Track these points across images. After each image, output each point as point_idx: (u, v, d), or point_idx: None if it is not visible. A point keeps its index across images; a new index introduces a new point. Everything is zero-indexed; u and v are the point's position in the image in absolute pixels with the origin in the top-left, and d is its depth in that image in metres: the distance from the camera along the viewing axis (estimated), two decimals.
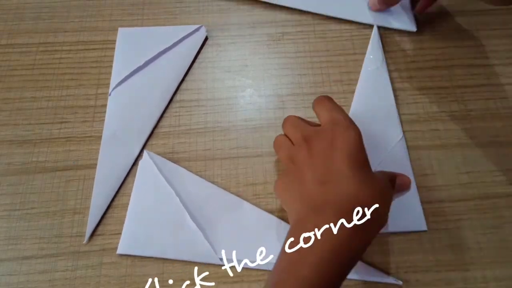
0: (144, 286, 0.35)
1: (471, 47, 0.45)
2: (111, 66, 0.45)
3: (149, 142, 0.41)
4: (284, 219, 0.38)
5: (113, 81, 0.44)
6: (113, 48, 0.46)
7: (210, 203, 0.38)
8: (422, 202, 0.38)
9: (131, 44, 0.45)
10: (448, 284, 0.35)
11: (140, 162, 0.40)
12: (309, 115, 0.42)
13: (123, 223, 0.37)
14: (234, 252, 0.36)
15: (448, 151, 0.40)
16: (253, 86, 0.44)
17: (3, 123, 0.42)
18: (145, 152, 0.40)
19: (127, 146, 0.41)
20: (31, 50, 0.46)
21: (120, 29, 0.46)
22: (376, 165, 0.39)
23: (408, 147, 0.40)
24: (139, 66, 0.44)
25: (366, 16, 0.46)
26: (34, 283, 0.36)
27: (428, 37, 0.46)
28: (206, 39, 0.46)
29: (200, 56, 0.45)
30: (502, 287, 0.35)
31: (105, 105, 0.43)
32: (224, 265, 0.36)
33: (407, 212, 0.37)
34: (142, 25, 0.47)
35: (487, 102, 0.42)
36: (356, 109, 0.42)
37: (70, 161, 0.40)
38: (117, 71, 0.44)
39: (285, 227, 0.37)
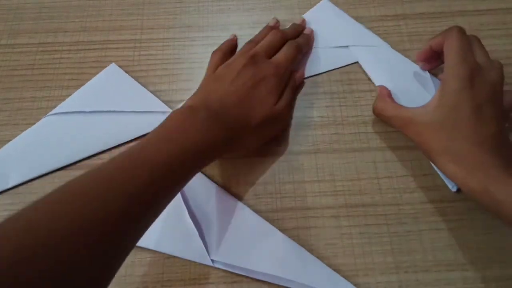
0: (144, 286, 0.35)
1: None
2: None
3: None
4: (282, 228, 0.38)
5: (63, 107, 0.42)
6: (113, 48, 0.46)
7: (211, 203, 0.38)
8: (423, 202, 0.38)
9: (108, 86, 0.43)
10: (448, 284, 0.35)
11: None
12: (309, 114, 0.42)
13: None
14: (227, 256, 0.36)
15: None
16: None
17: (3, 123, 0.42)
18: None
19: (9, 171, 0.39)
20: (31, 50, 0.46)
21: (113, 64, 0.44)
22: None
23: (408, 147, 0.40)
24: (94, 110, 0.42)
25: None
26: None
27: (428, 37, 0.46)
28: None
29: (200, 56, 0.45)
30: (502, 287, 0.35)
31: None
32: (215, 267, 0.36)
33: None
34: (142, 25, 0.47)
35: None
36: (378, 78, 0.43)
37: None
38: (73, 101, 0.42)
39: (283, 239, 0.36)
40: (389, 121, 0.39)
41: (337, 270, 0.36)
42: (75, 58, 0.45)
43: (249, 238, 0.37)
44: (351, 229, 0.37)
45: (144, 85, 0.44)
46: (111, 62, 0.45)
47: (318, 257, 0.36)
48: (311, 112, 0.42)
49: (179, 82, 0.44)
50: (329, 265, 0.36)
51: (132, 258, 0.36)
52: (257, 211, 0.38)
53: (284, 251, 0.36)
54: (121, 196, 0.26)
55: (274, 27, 0.45)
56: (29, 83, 0.44)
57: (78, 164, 0.40)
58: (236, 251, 0.36)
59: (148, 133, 0.32)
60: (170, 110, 0.41)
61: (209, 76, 0.40)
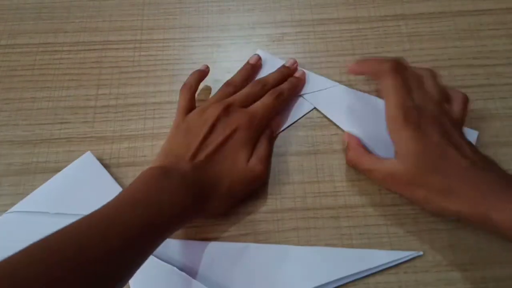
0: None
1: (471, 47, 0.45)
2: (111, 67, 0.45)
3: (149, 143, 0.41)
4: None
5: (25, 204, 0.37)
6: (113, 49, 0.46)
7: (215, 262, 0.36)
8: None
9: (79, 180, 0.39)
10: (448, 284, 0.35)
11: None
12: (309, 115, 0.42)
13: None
14: None
15: None
16: None
17: (3, 123, 0.42)
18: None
19: None
20: (31, 51, 0.46)
21: (88, 153, 0.40)
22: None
23: None
24: (59, 213, 0.37)
25: None
26: None
27: (428, 37, 0.46)
28: None
29: (200, 56, 0.45)
30: (502, 287, 0.35)
31: (106, 106, 0.43)
32: None
33: None
34: (142, 26, 0.47)
35: (487, 102, 0.42)
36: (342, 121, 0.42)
37: (70, 161, 0.40)
38: (38, 197, 0.38)
39: (296, 252, 0.36)
40: (366, 174, 0.37)
41: None
42: (75, 59, 0.46)
43: (266, 270, 0.35)
44: (351, 229, 0.37)
45: (144, 85, 0.44)
46: (111, 62, 0.45)
47: None
48: (311, 113, 0.42)
49: (179, 83, 0.44)
50: None
51: None
52: (257, 212, 0.38)
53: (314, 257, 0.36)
54: (89, 261, 0.25)
55: (254, 66, 0.43)
56: (29, 83, 0.44)
57: None
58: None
59: (120, 192, 0.31)
60: None
61: (178, 125, 0.38)
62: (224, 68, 0.45)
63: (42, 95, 0.44)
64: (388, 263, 0.35)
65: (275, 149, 0.41)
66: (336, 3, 0.48)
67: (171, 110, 0.43)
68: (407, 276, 0.35)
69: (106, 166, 0.40)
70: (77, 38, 0.47)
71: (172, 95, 0.43)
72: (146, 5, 0.49)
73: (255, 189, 0.38)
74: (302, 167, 0.40)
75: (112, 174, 0.39)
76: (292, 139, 0.41)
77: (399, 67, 0.35)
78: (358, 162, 0.37)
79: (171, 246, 0.36)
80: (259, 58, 0.44)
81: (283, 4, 0.48)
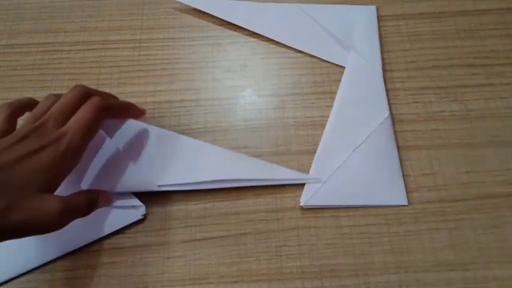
0: (144, 286, 0.35)
1: (471, 47, 0.45)
2: (111, 66, 0.45)
3: None
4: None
5: None
6: (113, 48, 0.46)
7: (143, 140, 0.39)
8: (423, 202, 0.38)
9: None
10: (448, 284, 0.35)
11: None
12: (309, 114, 0.42)
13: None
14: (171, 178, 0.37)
15: (448, 151, 0.40)
16: (253, 86, 0.44)
17: None
18: None
19: None
20: (31, 50, 0.46)
21: None
22: (361, 141, 0.40)
23: (407, 147, 0.40)
24: None
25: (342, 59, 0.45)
26: (33, 282, 0.36)
27: (428, 37, 0.46)
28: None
29: (200, 56, 0.45)
30: (503, 287, 0.35)
31: None
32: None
33: (388, 186, 0.38)
34: (141, 26, 0.47)
35: (487, 102, 0.42)
36: (344, 87, 0.43)
37: None
38: None
39: (222, 151, 0.39)
40: None
41: (337, 270, 0.36)
42: (75, 58, 0.45)
43: (188, 158, 0.38)
44: (351, 229, 0.37)
45: (144, 85, 0.44)
46: (111, 62, 0.45)
47: (318, 257, 0.36)
48: (311, 112, 0.42)
49: (179, 82, 0.44)
50: (329, 265, 0.36)
51: (132, 258, 0.36)
52: (257, 211, 0.38)
53: (223, 157, 0.39)
54: None
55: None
56: (29, 83, 0.44)
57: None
58: (178, 171, 0.38)
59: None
60: (142, 205, 0.37)
61: None
62: (223, 67, 0.45)
63: (42, 94, 0.44)
64: (287, 180, 0.39)
65: (275, 148, 0.41)
66: (336, 3, 0.48)
67: (170, 109, 0.43)
68: (407, 276, 0.35)
69: None
70: (77, 37, 0.47)
71: (171, 94, 0.43)
72: (146, 4, 0.49)
73: (37, 232, 0.30)
74: (303, 166, 0.40)
75: None
76: (292, 139, 0.41)
77: None
78: None
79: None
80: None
81: (282, 2, 0.48)
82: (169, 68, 0.45)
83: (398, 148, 0.40)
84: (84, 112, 0.32)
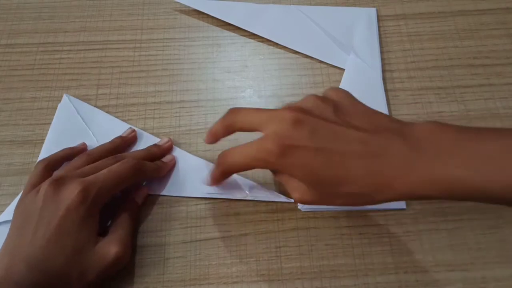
0: (145, 287, 0.35)
1: (471, 47, 0.45)
2: (111, 67, 0.45)
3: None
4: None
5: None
6: (114, 49, 0.46)
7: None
8: (422, 203, 0.38)
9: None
10: (448, 284, 0.35)
11: (59, 105, 0.42)
12: None
13: None
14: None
15: None
16: (253, 86, 0.44)
17: (3, 123, 0.42)
18: (64, 96, 0.42)
19: None
20: (31, 50, 0.46)
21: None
22: None
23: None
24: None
25: (341, 62, 0.45)
26: None
27: (428, 37, 0.46)
28: None
29: (200, 56, 0.45)
30: (502, 287, 0.35)
31: (106, 106, 0.43)
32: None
33: None
34: (142, 26, 0.47)
35: (487, 102, 0.42)
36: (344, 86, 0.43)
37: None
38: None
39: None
40: None
41: (337, 270, 0.36)
42: (75, 58, 0.46)
43: (182, 174, 0.40)
44: (350, 229, 0.37)
45: (144, 85, 0.44)
46: (111, 62, 0.45)
47: (318, 257, 0.36)
48: None
49: (179, 83, 0.44)
50: (329, 265, 0.36)
51: (132, 258, 0.36)
52: (257, 212, 0.38)
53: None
54: None
55: (125, 139, 0.39)
56: (29, 83, 0.44)
57: None
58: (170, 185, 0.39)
59: None
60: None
61: (16, 209, 0.32)
62: (223, 68, 0.45)
63: (42, 95, 0.44)
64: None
65: None
66: (336, 3, 0.48)
67: (171, 110, 0.43)
68: (407, 276, 0.35)
69: None
70: (77, 37, 0.47)
71: (172, 95, 0.43)
72: (146, 4, 0.49)
73: (116, 272, 0.33)
74: None
75: None
76: None
77: (237, 110, 0.32)
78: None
79: None
80: (133, 131, 0.40)
81: (282, 3, 0.48)
82: (169, 68, 0.45)
83: None
84: (117, 167, 0.34)
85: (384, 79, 0.43)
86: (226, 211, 0.38)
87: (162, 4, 0.49)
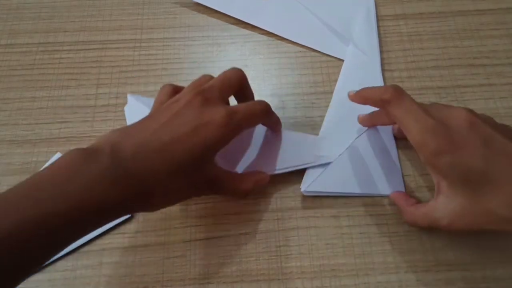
0: (144, 286, 0.35)
1: (471, 47, 0.45)
2: (111, 66, 0.45)
3: None
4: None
5: None
6: (113, 48, 0.46)
7: None
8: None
9: None
10: (448, 284, 0.35)
11: (126, 108, 0.41)
12: (309, 114, 0.42)
13: (129, 222, 0.37)
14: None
15: None
16: (253, 86, 0.43)
17: (2, 123, 0.42)
18: (128, 96, 0.41)
19: None
20: (31, 50, 0.46)
21: (57, 154, 0.40)
22: (363, 131, 0.40)
23: (408, 147, 0.40)
24: None
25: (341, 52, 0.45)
26: (33, 282, 0.36)
27: (428, 37, 0.46)
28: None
29: (200, 56, 0.45)
30: (502, 287, 0.35)
31: (105, 105, 0.43)
32: None
33: (386, 176, 0.39)
34: (142, 25, 0.47)
35: (487, 102, 0.42)
36: (343, 79, 0.43)
37: None
38: None
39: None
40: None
41: (337, 270, 0.36)
42: (75, 58, 0.45)
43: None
44: (351, 229, 0.37)
45: (144, 85, 0.44)
46: (111, 62, 0.45)
47: (318, 257, 0.36)
48: (311, 112, 0.42)
49: (179, 82, 0.44)
50: (329, 265, 0.36)
51: (132, 258, 0.36)
52: (257, 211, 0.38)
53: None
54: None
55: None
56: (29, 83, 0.44)
57: None
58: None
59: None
60: None
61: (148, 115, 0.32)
62: (223, 67, 0.44)
63: (41, 94, 0.44)
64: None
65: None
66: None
67: None
68: (407, 276, 0.35)
69: None
70: (77, 37, 0.47)
71: None
72: (146, 4, 0.49)
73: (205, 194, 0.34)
74: None
75: None
76: None
77: (401, 90, 0.32)
78: (416, 223, 0.33)
79: None
80: None
81: None
82: (169, 68, 0.45)
83: (398, 148, 0.40)
84: (255, 104, 0.33)
85: (384, 79, 0.43)
86: (226, 210, 0.38)
87: (162, 4, 0.49)
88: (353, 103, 0.37)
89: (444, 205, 0.29)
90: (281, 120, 0.40)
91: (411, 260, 0.36)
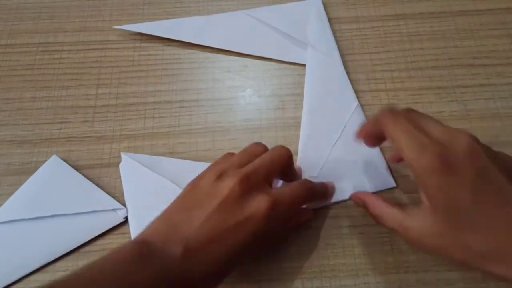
0: None
1: (471, 47, 0.45)
2: (111, 66, 0.45)
3: (149, 142, 0.41)
4: None
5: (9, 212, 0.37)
6: (113, 48, 0.46)
7: None
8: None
9: (50, 182, 0.39)
10: (448, 284, 0.35)
11: (121, 166, 0.39)
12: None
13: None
14: None
15: None
16: (253, 86, 0.44)
17: (3, 123, 0.42)
18: (122, 155, 0.39)
19: None
20: (31, 50, 0.46)
21: (54, 156, 0.40)
22: (338, 136, 0.40)
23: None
24: (35, 217, 0.37)
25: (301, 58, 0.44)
26: (34, 282, 0.36)
27: (428, 37, 0.46)
28: None
29: (200, 56, 0.45)
30: (502, 287, 0.35)
31: (105, 105, 0.43)
32: None
33: (373, 173, 0.39)
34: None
35: (487, 102, 0.42)
36: (309, 85, 0.43)
37: (70, 161, 0.40)
38: (11, 205, 0.38)
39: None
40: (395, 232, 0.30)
41: (337, 270, 0.36)
42: (75, 58, 0.45)
43: None
44: (351, 229, 0.37)
45: (144, 85, 0.44)
46: (111, 62, 0.45)
47: (318, 257, 0.36)
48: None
49: (179, 82, 0.44)
50: (329, 265, 0.36)
51: None
52: None
53: None
54: None
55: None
56: (29, 83, 0.44)
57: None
58: None
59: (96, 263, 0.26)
60: (122, 207, 0.38)
61: (189, 189, 0.31)
62: (223, 68, 0.45)
63: (42, 94, 0.44)
64: None
65: None
66: (336, 3, 0.48)
67: (170, 109, 0.43)
68: (407, 276, 0.35)
69: (106, 166, 0.40)
70: (77, 37, 0.47)
71: (171, 94, 0.43)
72: (146, 4, 0.49)
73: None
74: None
75: (111, 173, 0.40)
76: (292, 139, 0.41)
77: (394, 110, 0.30)
78: (381, 219, 0.31)
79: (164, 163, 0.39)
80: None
81: (283, 3, 0.48)
82: (169, 68, 0.45)
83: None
84: (298, 189, 0.32)
85: (384, 79, 0.43)
86: None
87: (162, 4, 0.48)
88: (325, 106, 0.37)
89: (420, 218, 0.28)
90: (281, 120, 0.40)
91: (411, 260, 0.36)
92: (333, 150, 0.39)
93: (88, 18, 0.48)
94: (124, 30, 0.46)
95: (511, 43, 0.45)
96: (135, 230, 0.36)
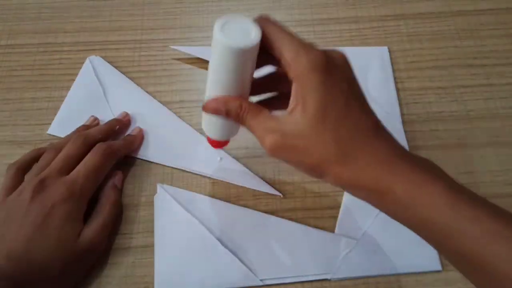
0: (145, 287, 0.35)
1: (471, 47, 0.45)
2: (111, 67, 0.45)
3: None
4: (306, 223, 0.38)
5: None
6: (113, 49, 0.46)
7: (237, 225, 0.37)
8: None
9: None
10: (448, 284, 0.35)
11: (155, 198, 0.38)
12: None
13: (129, 222, 0.38)
14: (273, 271, 0.35)
15: (448, 151, 0.40)
16: None
17: (3, 123, 0.42)
18: (158, 186, 0.38)
19: None
20: (31, 51, 0.46)
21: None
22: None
23: (408, 147, 0.40)
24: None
25: None
26: None
27: (428, 37, 0.46)
28: None
29: (199, 56, 0.45)
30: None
31: None
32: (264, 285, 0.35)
33: (416, 251, 0.36)
34: (142, 26, 0.47)
35: (487, 102, 0.42)
36: None
37: None
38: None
39: (314, 233, 0.37)
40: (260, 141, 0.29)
41: None
42: (75, 59, 0.45)
43: (288, 245, 0.36)
44: None
45: (144, 85, 0.44)
46: (111, 62, 0.45)
47: None
48: None
49: (179, 83, 0.44)
50: None
51: (132, 258, 0.36)
52: (257, 212, 0.38)
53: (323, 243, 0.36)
54: None
55: (89, 126, 0.39)
56: (29, 83, 0.44)
57: None
58: (280, 261, 0.36)
59: None
60: None
61: None
62: None
63: (42, 95, 0.44)
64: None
65: None
66: (336, 3, 0.48)
67: (170, 110, 0.43)
68: (407, 276, 0.35)
69: None
70: (77, 38, 0.47)
71: (171, 95, 0.43)
72: (146, 5, 0.49)
73: (91, 263, 0.35)
74: None
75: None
76: None
77: (270, 17, 0.29)
78: (263, 140, 0.28)
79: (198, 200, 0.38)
80: (127, 115, 0.41)
81: (283, 3, 0.48)
82: (169, 69, 0.45)
83: None
84: (91, 159, 0.35)
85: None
86: None
87: (162, 5, 0.49)
88: None
89: (291, 121, 0.27)
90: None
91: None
92: (376, 220, 0.37)
93: (88, 19, 0.48)
94: (125, 33, 0.46)
95: (511, 43, 0.45)
96: (159, 266, 0.36)
